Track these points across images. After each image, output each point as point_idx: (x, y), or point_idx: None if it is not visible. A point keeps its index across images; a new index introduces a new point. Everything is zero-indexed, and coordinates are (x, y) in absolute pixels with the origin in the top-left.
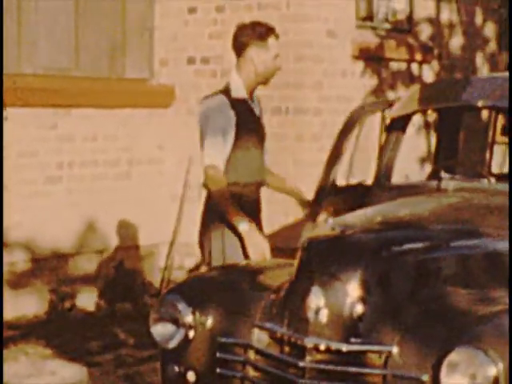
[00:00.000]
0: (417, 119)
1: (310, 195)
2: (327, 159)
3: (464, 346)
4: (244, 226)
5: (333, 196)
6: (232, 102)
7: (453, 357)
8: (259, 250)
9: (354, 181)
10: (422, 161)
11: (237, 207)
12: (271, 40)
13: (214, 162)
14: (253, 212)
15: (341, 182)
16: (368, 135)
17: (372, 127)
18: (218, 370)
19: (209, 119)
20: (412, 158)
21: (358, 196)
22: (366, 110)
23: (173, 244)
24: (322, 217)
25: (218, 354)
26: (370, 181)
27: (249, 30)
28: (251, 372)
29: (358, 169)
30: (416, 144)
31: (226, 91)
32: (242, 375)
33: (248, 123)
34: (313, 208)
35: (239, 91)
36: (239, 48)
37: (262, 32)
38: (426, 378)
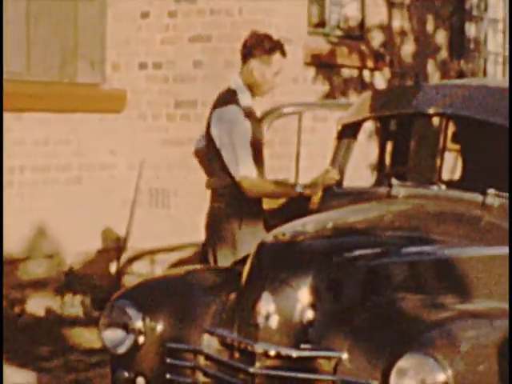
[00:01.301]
0: (368, 126)
1: None
2: None
3: (414, 352)
4: (300, 188)
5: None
6: (244, 111)
7: (402, 363)
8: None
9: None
10: (374, 167)
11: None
12: (276, 56)
13: (249, 173)
14: (258, 211)
15: None
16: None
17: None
18: (167, 376)
19: (231, 131)
20: (363, 165)
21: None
22: (279, 113)
23: (124, 249)
24: None
25: (167, 360)
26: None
27: (257, 41)
28: (201, 378)
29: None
30: (367, 151)
31: (235, 100)
32: (191, 381)
33: (257, 133)
34: None
35: (246, 99)
36: (244, 56)
37: (268, 47)
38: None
